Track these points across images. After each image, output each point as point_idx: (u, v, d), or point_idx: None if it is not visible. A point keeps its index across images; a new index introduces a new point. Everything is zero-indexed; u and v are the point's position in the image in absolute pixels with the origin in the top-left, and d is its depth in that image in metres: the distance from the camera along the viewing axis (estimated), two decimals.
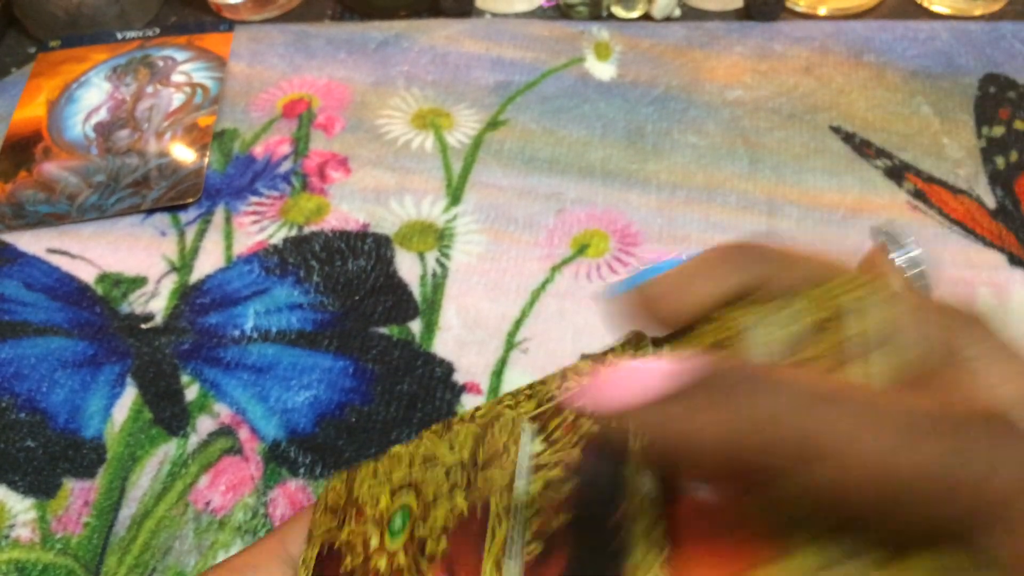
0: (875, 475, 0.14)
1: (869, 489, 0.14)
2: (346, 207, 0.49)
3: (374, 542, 0.24)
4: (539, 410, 0.23)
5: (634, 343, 0.22)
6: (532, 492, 0.21)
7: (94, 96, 0.56)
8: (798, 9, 0.58)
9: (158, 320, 0.45)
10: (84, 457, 0.40)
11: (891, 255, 0.20)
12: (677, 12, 0.59)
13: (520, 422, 0.23)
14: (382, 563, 0.23)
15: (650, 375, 0.15)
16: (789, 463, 0.14)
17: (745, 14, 0.58)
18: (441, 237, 0.47)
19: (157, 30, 0.60)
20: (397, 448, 0.26)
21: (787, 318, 0.18)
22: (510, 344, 0.43)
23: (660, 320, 0.19)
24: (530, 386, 0.24)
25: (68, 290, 0.46)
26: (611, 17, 0.59)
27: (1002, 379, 0.16)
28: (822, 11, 0.58)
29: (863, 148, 0.51)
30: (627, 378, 0.16)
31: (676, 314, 0.19)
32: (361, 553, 0.24)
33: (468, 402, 0.41)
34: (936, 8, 0.58)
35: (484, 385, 0.42)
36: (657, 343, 0.21)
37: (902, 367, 0.16)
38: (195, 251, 0.47)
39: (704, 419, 0.15)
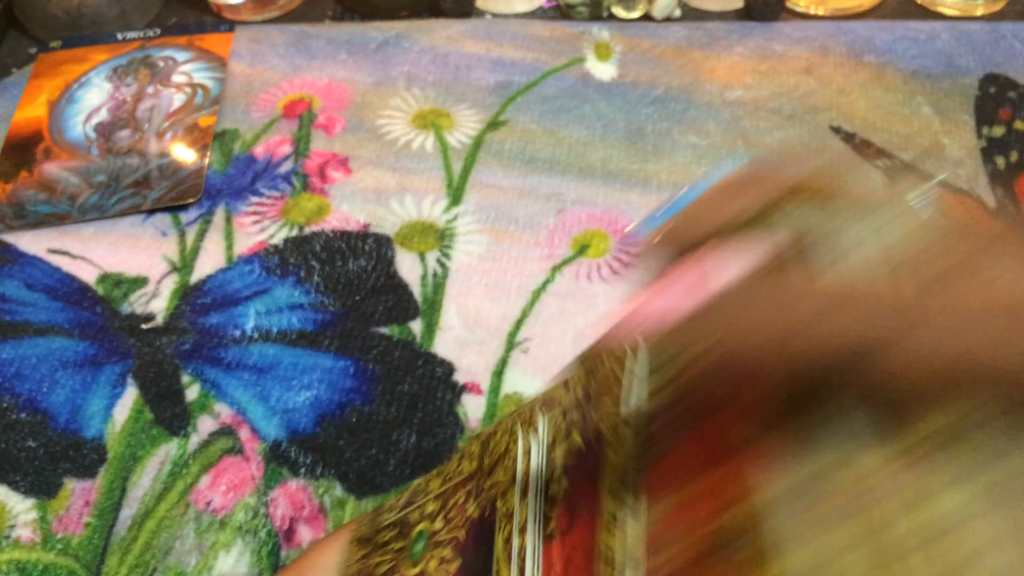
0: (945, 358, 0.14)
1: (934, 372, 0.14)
2: (347, 207, 0.49)
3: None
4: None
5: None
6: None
7: (95, 96, 0.56)
8: (798, 9, 0.58)
9: (159, 320, 0.45)
10: (85, 457, 0.40)
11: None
12: (677, 12, 0.59)
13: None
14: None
15: (721, 269, 0.16)
16: (847, 356, 0.14)
17: (745, 14, 0.58)
18: (442, 237, 0.47)
19: (158, 30, 0.60)
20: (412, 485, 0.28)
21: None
22: (511, 344, 0.43)
23: (685, 250, 0.20)
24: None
25: (69, 290, 0.46)
26: (611, 17, 0.59)
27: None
28: (822, 11, 0.58)
29: (863, 148, 0.51)
30: (684, 286, 0.16)
31: (697, 243, 0.19)
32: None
33: (468, 402, 0.41)
34: (940, 8, 0.58)
35: (485, 385, 0.42)
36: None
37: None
38: (196, 251, 0.48)
39: (765, 316, 0.15)
